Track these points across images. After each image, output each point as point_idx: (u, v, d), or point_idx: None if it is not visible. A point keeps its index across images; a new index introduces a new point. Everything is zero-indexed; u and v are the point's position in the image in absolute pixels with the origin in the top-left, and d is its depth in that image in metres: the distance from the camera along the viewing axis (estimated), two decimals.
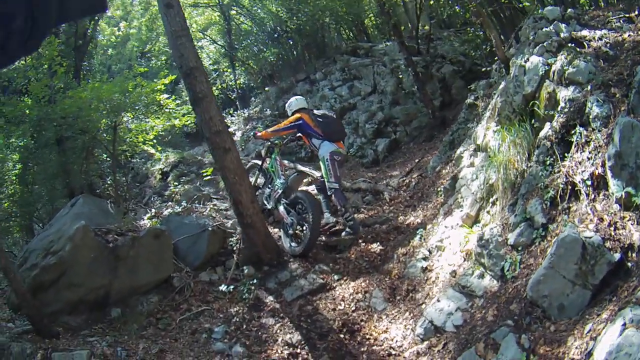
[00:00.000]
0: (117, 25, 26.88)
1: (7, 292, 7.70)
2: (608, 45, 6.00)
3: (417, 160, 12.35)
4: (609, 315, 3.59)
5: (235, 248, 8.38)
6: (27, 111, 11.09)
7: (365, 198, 11.08)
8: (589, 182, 4.71)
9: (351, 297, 7.36)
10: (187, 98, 10.79)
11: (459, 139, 9.92)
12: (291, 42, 20.28)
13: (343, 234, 8.93)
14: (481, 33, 13.62)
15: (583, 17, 7.41)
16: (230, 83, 23.60)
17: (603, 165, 4.60)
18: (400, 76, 15.52)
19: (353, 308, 7.13)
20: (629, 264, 3.99)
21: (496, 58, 9.13)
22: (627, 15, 6.76)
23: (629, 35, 6.03)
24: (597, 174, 4.66)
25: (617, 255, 4.06)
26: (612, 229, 4.21)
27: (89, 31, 15.49)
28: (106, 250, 6.98)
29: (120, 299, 7.06)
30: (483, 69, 10.36)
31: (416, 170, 11.65)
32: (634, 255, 3.98)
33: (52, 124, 11.24)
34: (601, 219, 4.35)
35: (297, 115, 9.02)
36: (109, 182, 13.91)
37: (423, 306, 6.30)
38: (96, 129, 11.70)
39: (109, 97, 10.72)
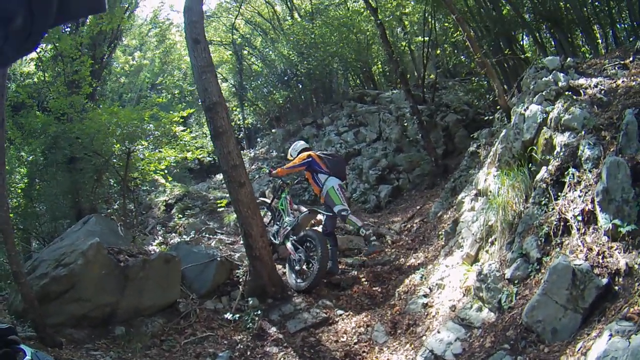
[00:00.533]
0: (131, 55, 27.38)
1: (8, 298, 7.75)
2: (602, 91, 6.36)
3: (418, 207, 12.63)
4: (597, 333, 3.85)
5: (241, 279, 8.63)
6: (46, 126, 11.39)
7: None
8: (579, 218, 5.03)
9: (353, 330, 7.51)
10: (197, 133, 11.16)
11: (461, 186, 10.22)
12: (300, 86, 20.77)
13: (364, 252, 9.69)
14: (485, 82, 14.09)
15: (582, 65, 7.81)
16: (238, 122, 24.03)
17: (592, 202, 4.93)
18: (405, 124, 15.96)
19: (355, 340, 7.26)
20: (616, 288, 4.26)
21: (498, 107, 9.49)
22: (622, 62, 7.15)
23: (622, 82, 6.40)
24: (587, 209, 4.98)
25: (604, 280, 4.33)
26: (600, 257, 4.50)
27: (105, 56, 15.99)
28: (117, 269, 7.14)
29: (126, 318, 7.17)
30: (486, 118, 10.72)
31: (418, 216, 11.92)
32: (620, 279, 4.26)
33: (67, 143, 11.62)
34: (590, 249, 4.65)
35: (307, 153, 9.50)
36: (115, 207, 14.10)
37: (423, 338, 6.47)
38: (110, 153, 11.97)
39: (126, 122, 11.05)
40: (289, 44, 20.38)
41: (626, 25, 11.79)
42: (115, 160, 12.34)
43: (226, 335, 7.46)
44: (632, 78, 6.37)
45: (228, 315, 7.80)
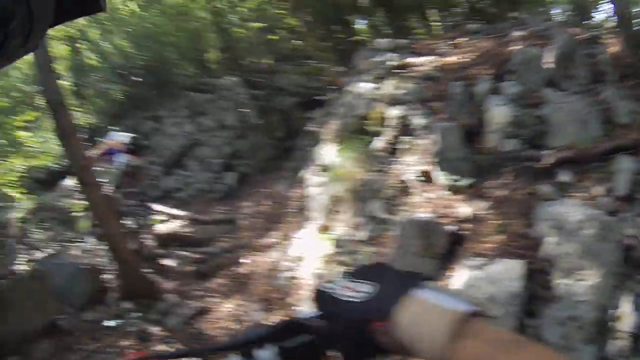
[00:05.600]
0: None
1: None
2: (434, 68, 7.07)
3: (266, 190, 12.98)
4: (455, 272, 4.47)
5: (112, 285, 8.45)
6: None
7: (224, 228, 11.57)
8: (421, 178, 5.67)
9: (231, 314, 7.74)
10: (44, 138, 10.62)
11: (304, 164, 10.69)
12: (137, 79, 20.12)
13: None
14: (320, 65, 14.62)
15: (415, 46, 8.52)
16: (82, 123, 22.81)
17: (430, 164, 5.56)
18: (244, 110, 16.16)
19: (235, 323, 7.46)
20: (466, 233, 4.92)
21: (334, 87, 10.03)
22: (454, 42, 7.92)
23: (454, 59, 7.16)
24: (425, 171, 5.63)
25: (453, 227, 4.98)
26: (445, 209, 5.16)
27: None
28: None
29: (14, 348, 6.76)
30: (321, 98, 11.25)
31: (267, 198, 12.27)
32: (468, 225, 4.93)
33: None
34: (434, 204, 5.31)
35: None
36: None
37: (297, 308, 6.89)
38: None
39: None
40: (124, 35, 19.68)
41: (461, 9, 12.77)
42: None
43: (113, 343, 7.28)
44: (463, 56, 7.11)
45: (110, 323, 7.63)
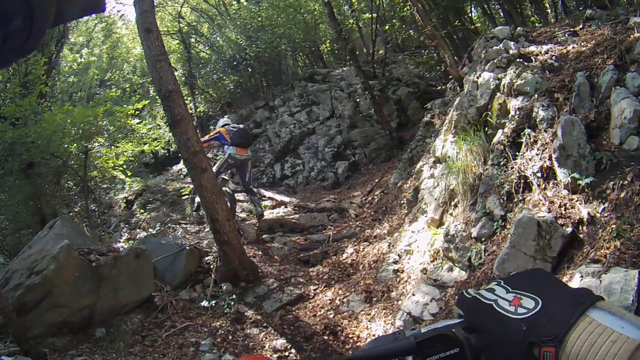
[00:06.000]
0: (79, 52, 26.68)
1: None
2: (553, 57, 6.73)
3: (377, 180, 12.90)
4: (569, 277, 4.17)
5: (212, 266, 8.60)
6: (2, 133, 10.95)
7: (331, 216, 11.58)
8: (539, 174, 5.37)
9: (329, 303, 7.71)
10: (151, 125, 11.09)
11: (418, 155, 10.53)
12: (250, 70, 20.65)
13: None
14: (435, 55, 14.40)
15: (532, 34, 8.17)
16: (191, 111, 23.80)
17: (550, 159, 5.26)
18: (358, 100, 16.18)
19: (333, 313, 7.44)
20: (581, 235, 4.60)
21: (450, 77, 9.79)
22: (572, 29, 7.51)
23: (572, 47, 6.76)
24: (545, 166, 5.33)
25: (569, 229, 4.67)
26: (562, 209, 4.85)
27: (54, 56, 15.56)
28: (89, 270, 6.91)
29: (104, 319, 7.00)
30: (438, 88, 11.04)
31: (378, 188, 12.21)
32: (584, 228, 4.60)
33: (23, 148, 11.21)
34: (552, 202, 5.00)
35: (218, 129, 10.83)
36: (76, 210, 13.87)
37: (399, 302, 6.75)
38: (67, 153, 11.71)
39: (81, 121, 10.88)
40: (236, 28, 20.29)
41: None
42: (72, 162, 12.10)
43: (205, 323, 7.47)
44: (581, 44, 6.72)
45: (204, 303, 7.81)
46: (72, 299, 6.61)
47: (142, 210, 14.06)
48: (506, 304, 1.00)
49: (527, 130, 5.89)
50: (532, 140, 5.75)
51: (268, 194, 14.02)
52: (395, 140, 14.50)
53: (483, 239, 5.80)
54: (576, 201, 4.81)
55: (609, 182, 4.65)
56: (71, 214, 13.75)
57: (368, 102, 15.31)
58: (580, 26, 7.47)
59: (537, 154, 5.55)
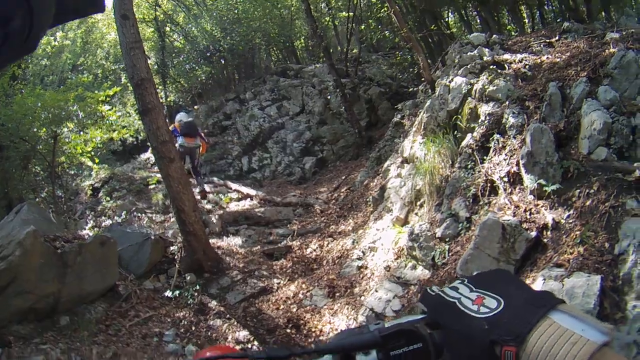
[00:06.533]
0: (53, 35, 26.20)
1: None
2: (527, 66, 6.87)
3: (344, 177, 13.00)
4: (531, 280, 4.29)
5: (176, 256, 8.59)
6: None
7: (297, 211, 11.64)
8: (505, 179, 5.51)
9: (293, 297, 7.77)
10: (121, 112, 10.97)
11: (386, 155, 10.63)
12: (223, 62, 20.57)
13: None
14: (409, 57, 14.53)
15: (507, 42, 8.32)
16: (161, 100, 23.56)
17: (517, 165, 5.40)
18: (329, 97, 16.25)
19: (296, 307, 7.50)
20: (545, 240, 4.72)
21: (423, 80, 9.90)
22: (548, 40, 7.67)
23: (547, 58, 6.92)
24: (512, 171, 5.46)
25: (533, 234, 4.78)
26: (527, 213, 4.97)
27: None
28: (55, 257, 6.77)
29: (69, 307, 6.90)
30: (410, 90, 11.16)
31: (344, 185, 12.30)
32: (548, 233, 4.72)
33: None
34: (517, 207, 5.12)
35: (173, 125, 11.69)
36: (43, 195, 13.66)
37: (362, 298, 6.82)
38: (36, 138, 11.53)
39: (51, 105, 10.73)
40: (212, 19, 20.20)
41: (554, 7, 12.42)
42: (41, 147, 11.86)
43: (169, 313, 7.45)
44: (556, 55, 6.87)
45: (168, 293, 7.82)
46: (37, 285, 6.48)
47: (108, 198, 13.91)
48: (469, 303, 1.01)
49: (496, 136, 6.01)
50: (500, 145, 5.88)
51: (234, 186, 14.00)
52: (364, 138, 14.61)
53: (447, 240, 5.91)
54: (541, 207, 4.94)
55: (575, 190, 4.77)
56: (37, 199, 13.46)
57: (339, 100, 15.41)
58: (557, 38, 7.63)
59: (504, 159, 5.68)
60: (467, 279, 1.11)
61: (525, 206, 5.05)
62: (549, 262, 4.36)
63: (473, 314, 0.99)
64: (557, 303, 0.92)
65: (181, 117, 12.26)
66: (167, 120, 8.78)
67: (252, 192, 13.26)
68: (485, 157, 6.10)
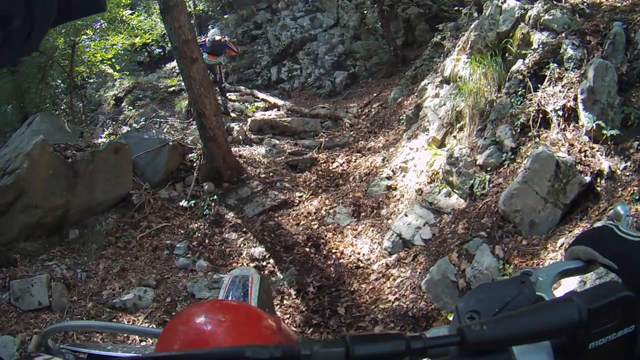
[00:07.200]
0: None
1: None
2: (585, 3, 6.40)
3: (375, 94, 12.75)
4: (580, 231, 4.10)
5: (195, 164, 8.45)
6: None
7: (325, 123, 11.48)
8: (560, 113, 5.20)
9: (314, 213, 7.62)
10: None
11: (422, 74, 10.28)
12: None
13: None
14: None
15: None
16: (189, 10, 22.89)
17: (575, 99, 5.09)
18: (365, 12, 15.71)
19: (317, 224, 7.36)
20: (599, 189, 4.51)
21: (469, 2, 9.43)
22: None
23: (606, 0, 6.44)
24: (568, 106, 5.15)
25: (587, 178, 4.56)
26: (582, 155, 4.73)
27: None
28: (64, 167, 6.65)
29: (78, 219, 6.85)
30: (455, 9, 10.68)
31: (375, 102, 12.07)
32: (602, 181, 4.52)
33: None
34: (572, 145, 4.87)
35: (204, 39, 12.19)
36: (62, 108, 13.52)
37: (389, 221, 6.68)
38: (54, 48, 11.20)
39: None
40: None
41: None
42: (59, 57, 11.63)
43: (182, 224, 7.40)
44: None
45: (183, 203, 7.73)
46: (45, 198, 6.40)
47: (130, 107, 13.83)
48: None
49: (552, 65, 5.68)
50: (556, 76, 5.56)
51: (261, 95, 13.87)
52: (398, 57, 14.20)
53: (489, 169, 5.67)
54: (597, 151, 4.70)
55: (634, 141, 4.53)
56: (57, 112, 13.39)
57: (375, 16, 14.91)
58: None
59: (560, 91, 5.37)
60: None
61: (580, 146, 4.81)
62: (602, 214, 4.16)
63: None
64: None
65: (214, 33, 12.55)
66: (190, 20, 8.40)
67: (280, 101, 13.09)
68: (539, 86, 5.78)
